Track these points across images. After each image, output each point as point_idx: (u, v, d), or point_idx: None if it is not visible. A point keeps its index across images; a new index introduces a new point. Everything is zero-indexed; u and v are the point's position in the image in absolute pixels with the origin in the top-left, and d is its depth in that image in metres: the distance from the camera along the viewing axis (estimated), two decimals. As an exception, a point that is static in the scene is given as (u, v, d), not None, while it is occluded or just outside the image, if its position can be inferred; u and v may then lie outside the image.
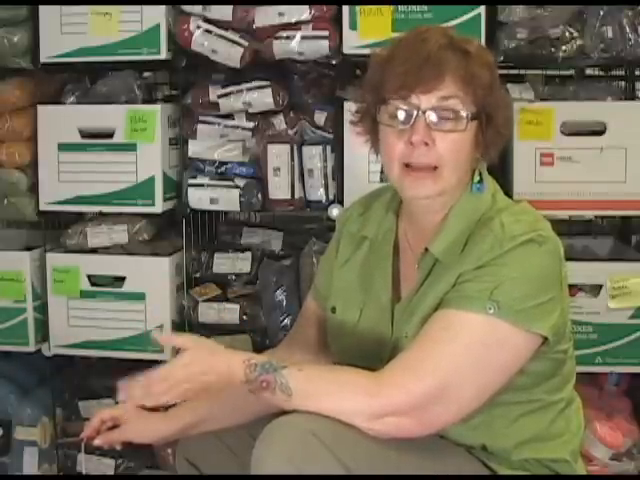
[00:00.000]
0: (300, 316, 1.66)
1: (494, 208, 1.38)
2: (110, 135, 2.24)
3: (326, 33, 2.10)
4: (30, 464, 2.39)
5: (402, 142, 1.34)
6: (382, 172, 1.50)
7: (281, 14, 2.10)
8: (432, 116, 1.32)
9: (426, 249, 1.39)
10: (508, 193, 1.51)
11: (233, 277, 2.34)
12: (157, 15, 2.17)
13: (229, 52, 2.14)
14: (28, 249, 2.36)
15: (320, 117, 2.21)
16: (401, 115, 1.33)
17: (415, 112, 1.32)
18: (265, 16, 2.12)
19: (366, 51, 1.92)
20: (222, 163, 2.24)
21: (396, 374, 1.26)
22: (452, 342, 1.26)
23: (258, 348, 2.21)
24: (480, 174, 1.41)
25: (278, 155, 2.18)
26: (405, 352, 1.30)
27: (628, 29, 2.03)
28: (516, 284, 1.28)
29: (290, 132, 2.21)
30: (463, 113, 1.32)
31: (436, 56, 1.31)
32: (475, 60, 1.34)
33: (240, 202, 2.20)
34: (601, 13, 2.04)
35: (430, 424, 1.27)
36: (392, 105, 1.34)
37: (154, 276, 2.27)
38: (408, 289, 1.42)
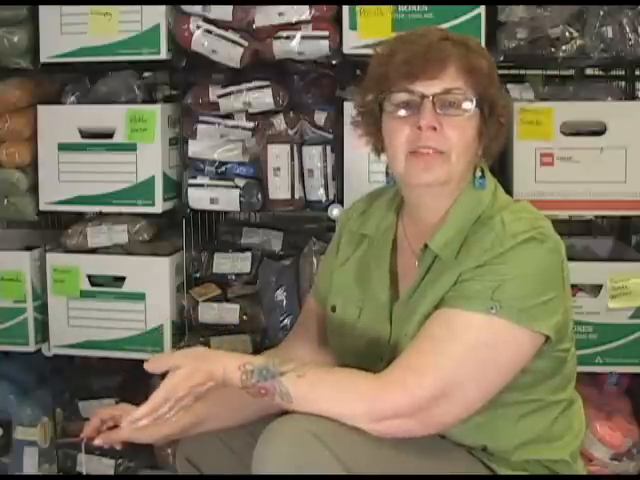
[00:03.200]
0: (301, 315, 1.67)
1: (495, 206, 1.39)
2: (110, 135, 2.24)
3: (326, 33, 2.10)
4: (30, 464, 2.39)
5: (408, 128, 1.35)
6: (387, 174, 1.49)
7: (281, 14, 2.10)
8: (438, 102, 1.33)
9: (425, 245, 1.39)
10: (508, 193, 1.50)
11: (233, 277, 2.33)
12: (157, 15, 2.16)
13: (229, 52, 2.14)
14: (28, 249, 2.36)
15: (320, 117, 2.21)
16: (407, 102, 1.35)
17: (421, 98, 1.33)
18: (265, 16, 2.12)
19: (366, 51, 1.92)
20: (222, 163, 2.24)
21: (398, 375, 1.26)
22: (454, 342, 1.26)
23: (258, 348, 2.21)
24: (482, 170, 1.41)
25: (278, 155, 2.18)
26: (406, 352, 1.29)
27: (628, 29, 2.03)
28: (517, 283, 1.28)
29: (290, 132, 2.21)
30: (467, 100, 1.34)
31: (438, 46, 1.34)
32: (474, 52, 1.37)
33: (240, 202, 2.20)
34: (601, 13, 2.04)
35: (433, 425, 1.27)
36: (397, 94, 1.35)
37: (154, 276, 2.27)
38: (406, 287, 1.42)
